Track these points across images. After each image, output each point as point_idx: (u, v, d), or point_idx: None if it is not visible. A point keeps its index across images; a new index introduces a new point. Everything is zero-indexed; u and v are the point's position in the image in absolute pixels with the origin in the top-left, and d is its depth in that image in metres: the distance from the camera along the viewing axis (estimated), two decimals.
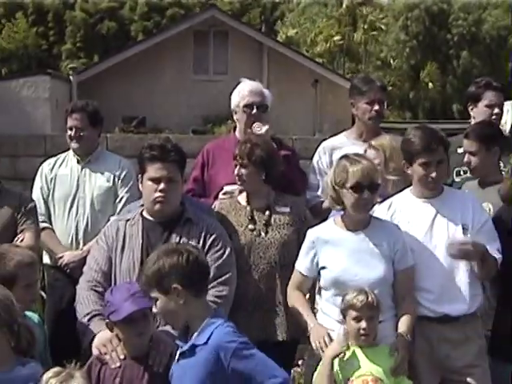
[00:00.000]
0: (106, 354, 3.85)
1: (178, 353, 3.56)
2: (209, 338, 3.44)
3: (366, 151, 4.85)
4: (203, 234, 4.26)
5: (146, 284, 3.60)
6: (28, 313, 4.00)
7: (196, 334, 3.50)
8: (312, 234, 4.36)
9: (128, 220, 4.34)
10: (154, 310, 3.61)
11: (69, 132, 5.58)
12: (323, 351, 4.06)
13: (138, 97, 23.39)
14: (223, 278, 4.26)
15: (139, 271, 4.09)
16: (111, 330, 3.88)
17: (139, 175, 4.42)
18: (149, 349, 3.88)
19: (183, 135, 8.30)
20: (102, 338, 3.94)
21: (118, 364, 3.82)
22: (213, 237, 4.28)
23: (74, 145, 5.61)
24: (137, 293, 3.81)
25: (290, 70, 24.35)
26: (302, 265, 4.35)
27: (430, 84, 36.48)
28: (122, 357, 3.84)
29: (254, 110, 5.29)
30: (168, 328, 3.92)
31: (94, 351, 3.92)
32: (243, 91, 5.37)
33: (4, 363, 3.59)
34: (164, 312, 3.56)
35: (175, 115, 21.92)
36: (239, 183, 4.86)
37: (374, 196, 4.17)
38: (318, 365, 4.08)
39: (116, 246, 4.25)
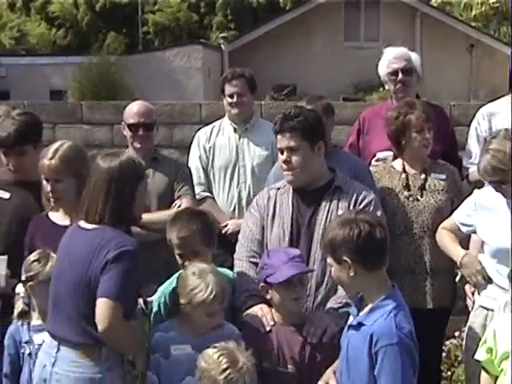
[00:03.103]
0: (257, 318, 3.92)
1: (349, 323, 3.53)
2: (374, 321, 3.38)
3: None
4: (353, 202, 4.18)
5: (323, 249, 3.61)
6: (220, 269, 4.05)
7: (366, 310, 3.46)
8: (477, 196, 4.31)
9: (279, 189, 4.31)
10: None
11: (229, 100, 5.56)
12: (478, 281, 4.13)
13: (288, 65, 23.42)
14: None
15: (289, 240, 4.12)
16: (266, 293, 3.92)
17: None
18: (304, 319, 3.90)
19: (337, 102, 8.18)
20: (254, 307, 4.00)
21: (268, 328, 3.87)
22: (363, 204, 4.19)
23: (234, 112, 5.58)
24: (296, 257, 3.85)
25: (444, 35, 23.72)
26: (460, 218, 4.36)
27: None
28: (271, 322, 3.88)
29: (400, 76, 5.29)
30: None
31: (246, 317, 3.98)
32: (387, 59, 5.37)
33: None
34: (336, 279, 3.55)
35: (326, 83, 21.78)
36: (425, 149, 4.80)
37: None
38: (481, 336, 3.97)
39: (267, 215, 4.24)
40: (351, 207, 4.13)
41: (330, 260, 3.51)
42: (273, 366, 3.82)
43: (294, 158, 4.13)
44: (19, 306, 4.09)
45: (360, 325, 3.44)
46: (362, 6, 25.16)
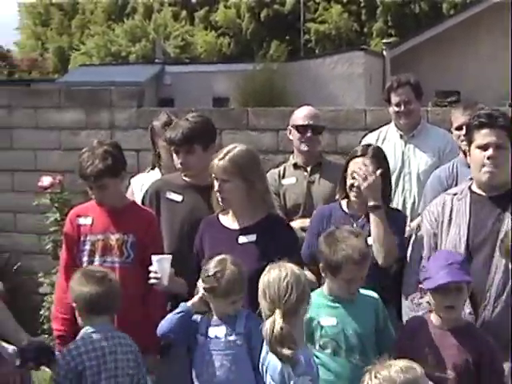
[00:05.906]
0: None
1: None
2: None
3: None
4: None
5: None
6: None
7: None
8: None
9: (455, 194, 4.19)
10: None
11: (396, 109, 5.52)
12: None
13: (451, 71, 22.92)
14: None
15: (465, 247, 4.00)
16: (425, 295, 3.87)
17: (466, 147, 4.22)
18: (462, 322, 3.80)
19: (501, 107, 7.93)
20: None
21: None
22: None
23: (402, 121, 5.53)
24: (454, 263, 3.73)
25: None
26: None
27: None
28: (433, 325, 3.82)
29: None
30: None
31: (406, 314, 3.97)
32: None
33: None
34: None
35: (490, 89, 21.13)
36: None
37: None
38: None
39: (442, 221, 4.14)
40: None
41: None
42: (430, 371, 3.59)
43: (501, 156, 3.98)
44: (195, 300, 4.03)
45: None
46: None
